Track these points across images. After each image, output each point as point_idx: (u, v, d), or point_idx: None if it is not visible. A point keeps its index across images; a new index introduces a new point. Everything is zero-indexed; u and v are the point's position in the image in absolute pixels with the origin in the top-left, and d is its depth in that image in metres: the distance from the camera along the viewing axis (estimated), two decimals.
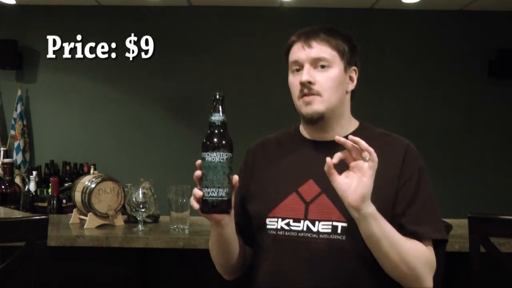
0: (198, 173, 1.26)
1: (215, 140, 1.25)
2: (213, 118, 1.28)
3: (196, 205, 1.26)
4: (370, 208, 1.24)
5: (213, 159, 1.24)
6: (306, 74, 1.38)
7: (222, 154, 1.24)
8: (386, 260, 1.29)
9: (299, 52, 1.41)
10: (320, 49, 1.39)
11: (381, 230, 1.26)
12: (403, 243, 1.29)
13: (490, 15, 4.72)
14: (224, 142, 1.25)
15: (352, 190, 1.23)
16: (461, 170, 4.72)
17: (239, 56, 4.78)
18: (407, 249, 1.29)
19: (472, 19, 4.72)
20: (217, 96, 1.28)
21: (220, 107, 1.28)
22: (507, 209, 4.14)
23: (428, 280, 1.32)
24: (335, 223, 1.34)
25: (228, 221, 1.35)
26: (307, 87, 1.38)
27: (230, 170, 1.26)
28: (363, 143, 1.23)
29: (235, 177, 1.28)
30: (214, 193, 1.24)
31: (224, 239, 1.39)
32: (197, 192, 1.25)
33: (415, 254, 1.30)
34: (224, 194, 1.24)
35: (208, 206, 1.25)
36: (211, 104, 1.27)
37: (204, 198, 1.24)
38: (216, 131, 1.26)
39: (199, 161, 1.27)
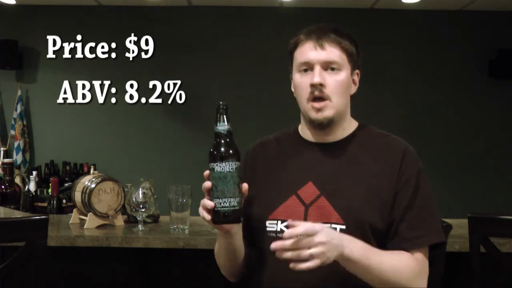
0: (207, 184, 1.25)
1: (223, 150, 1.24)
2: (219, 127, 1.26)
3: (207, 216, 1.26)
4: (346, 252, 1.23)
5: (222, 169, 1.23)
6: (318, 76, 1.36)
7: (231, 164, 1.24)
8: (368, 282, 1.31)
9: (310, 52, 1.38)
10: (331, 52, 1.37)
11: (358, 268, 1.27)
12: (383, 267, 1.29)
13: (490, 15, 4.72)
14: (232, 151, 1.25)
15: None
16: (461, 170, 4.72)
17: (239, 56, 4.78)
18: (387, 271, 1.29)
19: (472, 19, 4.72)
20: (222, 106, 1.27)
21: (225, 116, 1.27)
22: (507, 209, 4.14)
23: (417, 283, 1.32)
24: (334, 226, 1.34)
25: (237, 230, 1.36)
26: (318, 89, 1.36)
27: (240, 179, 1.26)
28: (289, 233, 1.20)
29: (245, 186, 1.28)
30: (226, 203, 1.23)
31: (233, 247, 1.40)
32: (209, 203, 1.24)
33: (398, 270, 1.30)
34: (235, 204, 1.24)
35: (220, 217, 1.24)
36: (215, 114, 1.26)
37: (216, 209, 1.24)
38: (222, 141, 1.26)
39: (207, 172, 1.26)
